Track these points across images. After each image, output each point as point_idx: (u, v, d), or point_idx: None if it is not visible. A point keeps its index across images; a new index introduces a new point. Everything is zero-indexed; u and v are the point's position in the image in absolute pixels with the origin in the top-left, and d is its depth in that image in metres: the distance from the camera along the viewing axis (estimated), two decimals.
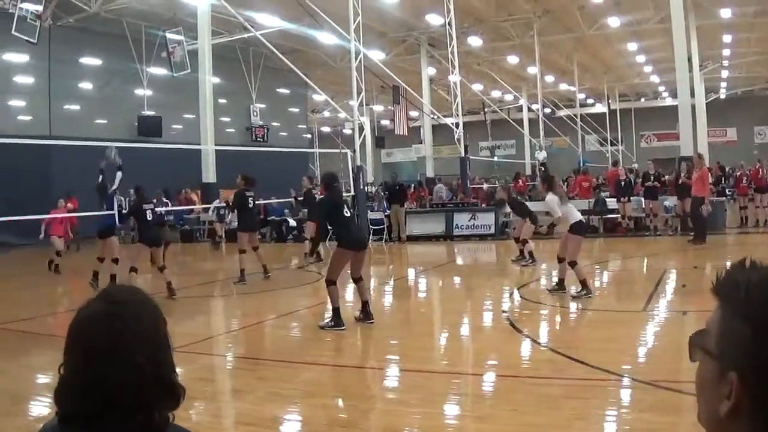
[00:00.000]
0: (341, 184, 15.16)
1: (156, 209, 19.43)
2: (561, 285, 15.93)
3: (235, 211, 22.04)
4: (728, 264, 1.62)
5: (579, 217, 15.92)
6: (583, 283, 15.31)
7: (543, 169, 48.65)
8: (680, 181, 27.50)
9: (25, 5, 27.30)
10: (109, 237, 20.29)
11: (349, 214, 13.67)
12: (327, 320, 13.19)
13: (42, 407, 8.47)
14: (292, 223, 34.42)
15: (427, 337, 12.85)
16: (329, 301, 13.30)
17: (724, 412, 1.49)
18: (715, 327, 1.57)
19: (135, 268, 17.68)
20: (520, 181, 43.18)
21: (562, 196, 15.96)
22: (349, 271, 13.66)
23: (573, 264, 15.43)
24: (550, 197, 15.66)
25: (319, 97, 51.45)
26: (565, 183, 49.25)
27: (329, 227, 15.19)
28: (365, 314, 13.46)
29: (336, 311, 13.06)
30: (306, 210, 26.17)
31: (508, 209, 26.14)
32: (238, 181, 21.11)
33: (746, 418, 1.47)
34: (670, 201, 28.99)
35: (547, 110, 59.91)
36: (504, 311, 14.79)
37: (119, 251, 20.23)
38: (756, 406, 1.45)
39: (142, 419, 2.09)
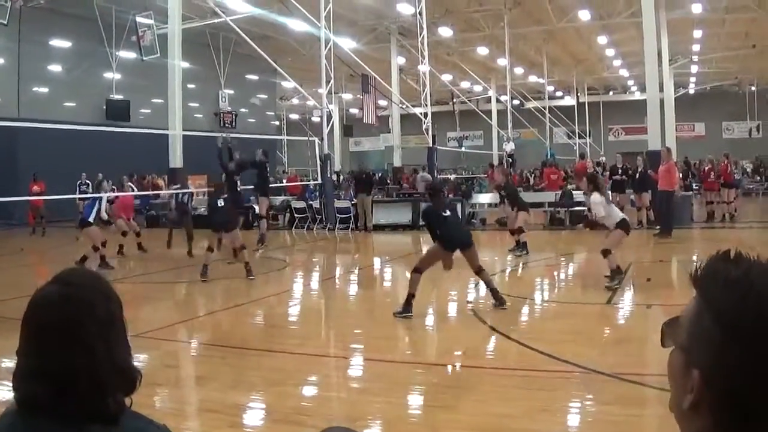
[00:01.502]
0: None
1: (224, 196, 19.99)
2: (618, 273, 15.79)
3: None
4: (712, 253, 1.61)
5: (622, 215, 16.23)
6: (615, 272, 15.41)
7: (510, 160, 48.77)
8: (637, 176, 27.79)
9: None
10: (86, 227, 20.54)
11: (448, 213, 13.47)
12: (401, 306, 12.94)
13: (7, 392, 8.40)
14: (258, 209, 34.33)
15: (391, 326, 12.81)
16: (409, 286, 13.07)
17: (686, 406, 1.49)
18: (687, 318, 1.56)
19: (211, 248, 18.77)
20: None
21: (606, 197, 16.13)
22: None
23: (606, 252, 15.49)
24: (596, 197, 15.74)
25: (288, 84, 51.56)
26: (533, 175, 49.51)
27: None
28: (497, 300, 13.33)
29: (409, 297, 12.86)
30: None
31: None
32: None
33: (707, 415, 1.47)
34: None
35: (516, 102, 59.96)
36: (469, 302, 14.79)
37: (100, 239, 20.45)
38: (717, 406, 1.45)
39: (97, 404, 2.07)
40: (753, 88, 68.08)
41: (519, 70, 61.80)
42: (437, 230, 13.49)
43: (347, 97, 68.37)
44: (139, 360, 9.97)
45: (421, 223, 16.40)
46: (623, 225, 15.79)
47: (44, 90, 39.98)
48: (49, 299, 2.16)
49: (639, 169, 27.78)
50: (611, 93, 78.34)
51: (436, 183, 15.21)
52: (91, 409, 2.06)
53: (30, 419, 2.06)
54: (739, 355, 1.41)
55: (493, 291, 13.40)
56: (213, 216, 19.34)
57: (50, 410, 2.04)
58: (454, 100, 62.78)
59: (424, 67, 41.14)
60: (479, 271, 13.52)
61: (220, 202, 18.99)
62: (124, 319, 2.28)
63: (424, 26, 39.00)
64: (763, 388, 1.40)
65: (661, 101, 34.68)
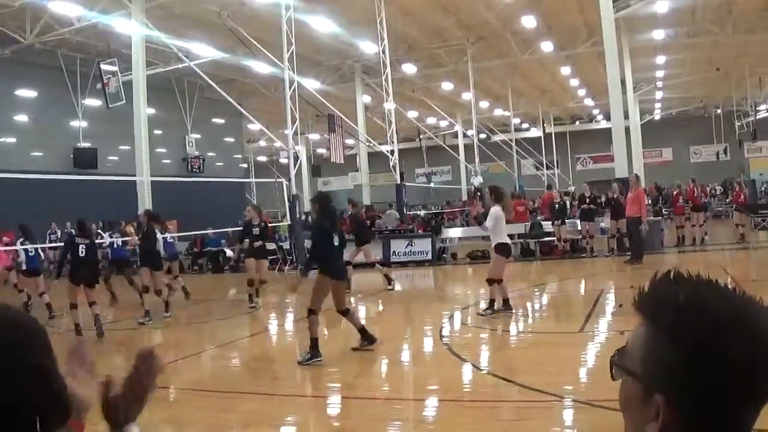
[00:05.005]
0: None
1: (91, 244, 17.10)
2: (507, 305, 16.03)
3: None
4: (651, 278, 1.62)
5: (506, 240, 16.28)
6: (491, 303, 15.93)
7: (480, 194, 48.92)
8: (612, 202, 27.85)
9: None
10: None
11: (337, 242, 12.98)
12: (305, 353, 12.45)
13: None
14: (229, 253, 34.30)
15: (366, 363, 12.78)
16: (309, 331, 12.55)
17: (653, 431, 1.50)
18: (638, 347, 1.57)
19: (74, 304, 16.21)
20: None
21: (506, 211, 16.36)
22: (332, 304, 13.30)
23: (490, 281, 15.94)
24: (497, 211, 15.96)
25: (255, 126, 51.43)
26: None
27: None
28: (366, 339, 13.10)
29: (314, 342, 12.35)
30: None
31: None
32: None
33: None
34: (606, 222, 29.30)
35: (483, 136, 60.07)
36: (443, 336, 14.76)
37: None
38: (688, 427, 1.46)
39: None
40: (718, 111, 68.76)
41: (484, 104, 62.22)
42: (320, 254, 13.06)
43: (314, 137, 68.38)
44: None
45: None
46: (502, 249, 16.10)
47: (11, 140, 39.85)
48: None
49: (615, 196, 27.75)
50: (577, 122, 78.82)
51: (321, 195, 13.91)
52: None
53: None
54: (705, 375, 1.42)
55: (361, 330, 13.22)
56: (74, 268, 16.44)
57: None
58: (421, 136, 63.00)
59: (389, 105, 41.20)
60: (346, 312, 13.24)
61: (81, 251, 16.22)
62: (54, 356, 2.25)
63: (388, 64, 39.08)
64: (733, 401, 1.43)
65: (627, 129, 34.93)
